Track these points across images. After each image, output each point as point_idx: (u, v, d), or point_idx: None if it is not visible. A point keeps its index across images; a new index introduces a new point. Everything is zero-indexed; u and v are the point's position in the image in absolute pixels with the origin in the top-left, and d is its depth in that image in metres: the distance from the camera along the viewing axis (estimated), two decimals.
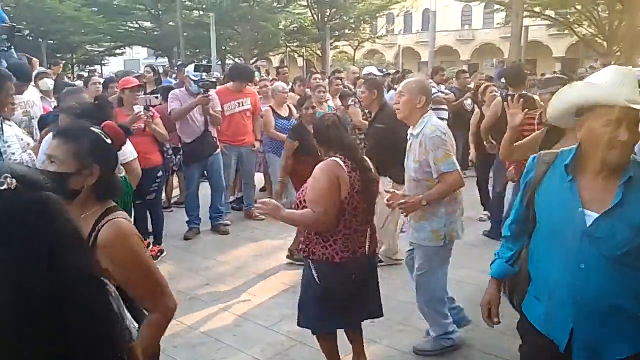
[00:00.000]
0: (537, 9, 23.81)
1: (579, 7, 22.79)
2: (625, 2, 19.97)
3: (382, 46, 38.86)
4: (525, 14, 21.01)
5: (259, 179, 7.44)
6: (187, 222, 6.03)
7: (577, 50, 29.56)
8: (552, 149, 2.67)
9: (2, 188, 1.05)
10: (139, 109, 5.03)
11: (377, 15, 31.18)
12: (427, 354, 3.60)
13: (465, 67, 27.34)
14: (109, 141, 1.90)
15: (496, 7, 27.17)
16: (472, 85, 8.87)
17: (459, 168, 3.28)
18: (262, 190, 7.66)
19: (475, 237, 5.77)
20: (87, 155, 1.82)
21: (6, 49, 5.05)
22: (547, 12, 24.44)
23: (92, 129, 1.91)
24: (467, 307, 3.96)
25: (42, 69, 7.07)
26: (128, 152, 3.74)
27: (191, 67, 6.13)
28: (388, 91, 8.81)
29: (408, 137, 3.48)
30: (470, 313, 3.83)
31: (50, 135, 1.99)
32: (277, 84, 6.80)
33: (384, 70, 11.20)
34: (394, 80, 9.57)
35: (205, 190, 6.29)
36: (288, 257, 5.25)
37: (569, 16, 24.44)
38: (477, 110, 6.76)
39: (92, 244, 1.72)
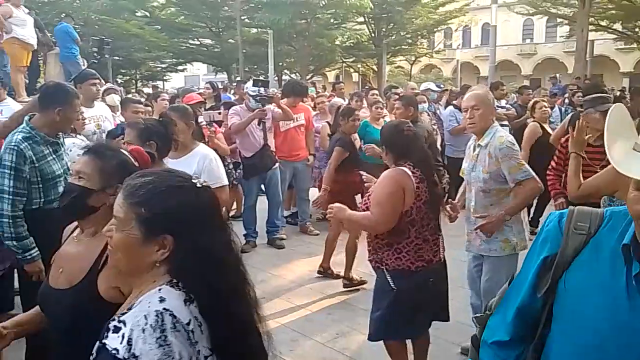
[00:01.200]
0: (603, 23, 22.98)
1: None
2: None
3: (440, 61, 38.46)
4: (590, 27, 20.32)
5: (314, 193, 7.45)
6: (244, 235, 6.09)
7: None
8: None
9: (199, 185, 1.34)
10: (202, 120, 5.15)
11: (435, 30, 30.92)
12: None
13: (526, 82, 26.74)
14: (136, 164, 1.96)
15: (559, 20, 26.40)
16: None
17: (534, 174, 3.24)
18: None
19: None
20: (113, 174, 1.86)
21: (96, 60, 5.29)
22: (614, 26, 23.54)
23: (121, 150, 2.01)
24: None
25: (110, 85, 7.36)
26: (219, 175, 3.67)
27: (249, 83, 6.25)
28: (446, 107, 8.67)
29: (473, 148, 3.43)
30: None
31: (77, 150, 2.07)
32: (334, 100, 6.83)
33: (442, 85, 11.03)
34: (451, 96, 9.40)
35: (261, 205, 6.35)
36: (320, 272, 5.20)
37: (637, 29, 23.46)
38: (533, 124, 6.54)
39: (105, 260, 1.74)
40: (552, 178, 4.40)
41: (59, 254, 1.92)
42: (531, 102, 6.61)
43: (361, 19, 27.26)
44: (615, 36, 25.70)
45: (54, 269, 1.89)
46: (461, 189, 3.73)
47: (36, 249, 3.11)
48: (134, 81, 30.13)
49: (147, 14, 27.75)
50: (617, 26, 23.61)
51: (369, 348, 3.84)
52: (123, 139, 4.11)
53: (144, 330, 1.19)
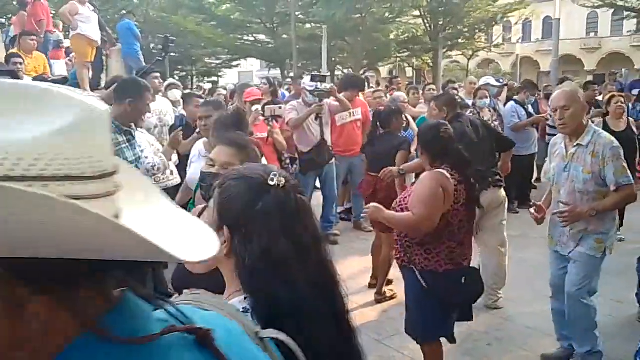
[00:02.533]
0: None
1: None
2: None
3: (498, 55, 37.42)
4: None
5: None
6: None
7: None
8: None
9: (273, 184, 1.23)
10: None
11: (493, 23, 30.10)
12: None
13: (590, 78, 25.70)
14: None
15: (626, 13, 25.18)
16: (600, 98, 8.22)
17: (633, 181, 3.19)
18: None
19: (618, 263, 5.31)
20: (248, 162, 1.98)
21: (161, 58, 5.54)
22: None
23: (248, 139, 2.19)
24: (603, 339, 3.64)
25: (172, 80, 7.56)
26: None
27: (306, 78, 6.25)
28: (506, 102, 8.41)
29: (565, 147, 3.33)
30: (607, 347, 3.53)
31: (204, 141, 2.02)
32: (396, 94, 6.77)
33: (501, 80, 10.70)
34: (512, 91, 9.10)
35: (314, 200, 6.34)
36: (377, 299, 4.66)
37: None
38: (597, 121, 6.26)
39: None
40: None
41: None
42: (607, 96, 6.34)
43: (417, 13, 26.84)
44: None
45: None
46: (547, 191, 3.67)
47: None
48: (190, 77, 30.81)
49: (204, 10, 28.25)
50: None
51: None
52: (182, 130, 4.23)
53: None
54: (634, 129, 5.92)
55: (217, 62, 32.37)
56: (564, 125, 3.24)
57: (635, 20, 27.00)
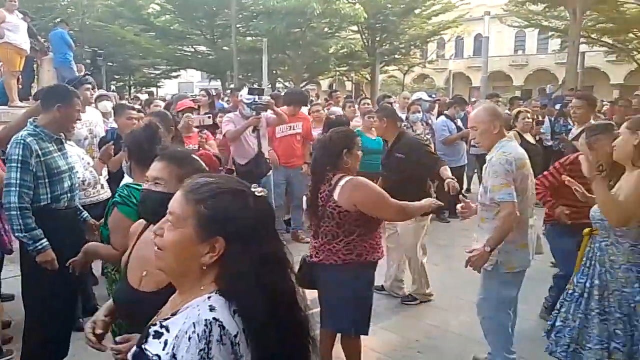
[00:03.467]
0: (594, 35, 23.24)
1: (638, 34, 22.11)
2: None
3: (432, 70, 38.67)
4: (582, 40, 20.54)
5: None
6: None
7: (636, 77, 28.59)
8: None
9: (260, 195, 1.34)
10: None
11: (428, 40, 31.13)
12: None
13: (518, 93, 26.96)
14: (207, 168, 2.02)
15: (550, 33, 26.66)
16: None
17: (514, 200, 3.15)
18: None
19: (540, 272, 5.58)
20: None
21: (90, 72, 5.38)
22: (605, 39, 23.81)
23: (193, 155, 2.06)
24: (525, 344, 3.82)
25: (102, 91, 7.39)
26: None
27: (244, 91, 6.29)
28: (437, 116, 8.75)
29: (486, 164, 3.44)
30: (528, 350, 3.74)
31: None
32: (333, 109, 6.90)
33: (434, 95, 11.12)
34: (442, 106, 9.48)
35: None
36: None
37: (627, 43, 23.74)
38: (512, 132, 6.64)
39: None
40: (540, 192, 4.21)
41: (138, 256, 1.92)
42: (514, 111, 6.71)
43: (355, 28, 27.40)
44: (606, 48, 25.97)
45: (134, 271, 1.89)
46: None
47: (45, 239, 3.16)
48: (128, 87, 30.11)
49: (143, 20, 27.73)
50: (608, 39, 23.88)
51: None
52: (114, 144, 4.17)
53: (190, 338, 1.16)
54: (544, 143, 6.28)
55: (156, 72, 31.82)
56: (476, 142, 3.48)
57: (559, 40, 28.56)
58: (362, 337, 3.29)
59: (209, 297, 1.24)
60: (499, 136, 3.34)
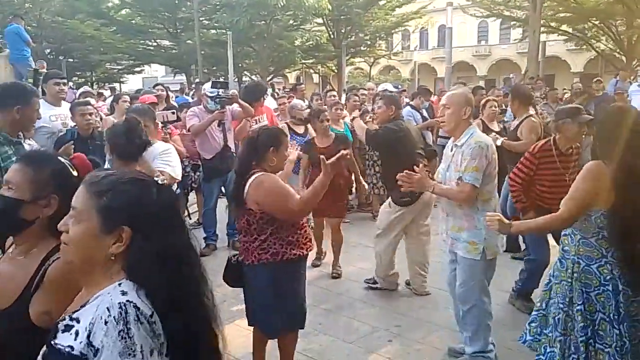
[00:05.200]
0: (554, 24, 23.74)
1: (596, 22, 22.68)
2: None
3: (398, 62, 38.92)
4: (542, 29, 20.95)
5: None
6: (204, 238, 6.04)
7: (595, 65, 29.36)
8: None
9: (161, 182, 1.35)
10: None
11: (393, 31, 31.30)
12: None
13: (482, 83, 27.33)
14: (74, 173, 1.80)
15: (512, 22, 27.13)
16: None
17: (477, 185, 3.24)
18: None
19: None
20: (46, 183, 1.72)
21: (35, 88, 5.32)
22: (564, 28, 24.35)
23: (59, 158, 1.86)
24: (495, 328, 3.88)
25: (87, 88, 7.25)
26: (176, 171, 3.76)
27: (208, 85, 6.21)
28: (404, 107, 8.82)
29: (450, 149, 3.49)
30: (496, 335, 3.77)
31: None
32: (294, 102, 6.85)
33: (400, 86, 11.20)
34: (410, 97, 9.55)
35: (220, 207, 6.31)
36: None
37: (586, 31, 24.33)
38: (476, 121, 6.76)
39: (39, 282, 1.64)
40: (517, 189, 4.27)
41: None
42: (483, 101, 6.81)
43: (320, 21, 27.37)
44: (566, 37, 26.57)
45: None
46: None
47: None
48: (90, 83, 29.44)
49: (103, 15, 27.12)
50: (567, 28, 24.42)
51: (331, 348, 3.91)
52: (74, 144, 4.07)
53: (106, 322, 1.17)
54: (505, 130, 6.44)
55: (119, 67, 31.20)
56: (443, 122, 3.50)
57: (520, 29, 29.10)
58: (330, 328, 3.30)
59: (119, 284, 1.26)
60: (467, 123, 3.40)
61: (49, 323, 1.51)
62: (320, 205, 4.83)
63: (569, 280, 2.72)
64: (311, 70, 35.23)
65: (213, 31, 28.15)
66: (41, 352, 1.28)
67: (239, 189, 3.08)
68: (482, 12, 26.51)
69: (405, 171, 3.46)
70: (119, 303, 1.20)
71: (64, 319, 1.25)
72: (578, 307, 2.67)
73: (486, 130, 6.38)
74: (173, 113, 5.47)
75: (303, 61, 29.28)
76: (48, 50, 24.61)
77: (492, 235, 3.33)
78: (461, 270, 3.48)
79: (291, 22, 26.62)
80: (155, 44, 29.46)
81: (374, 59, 32.61)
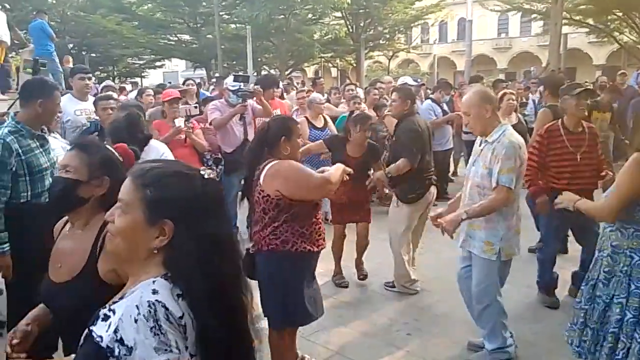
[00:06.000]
0: (576, 17, 23.35)
1: (619, 14, 22.25)
2: None
3: (417, 56, 38.68)
4: (564, 22, 20.61)
5: None
6: None
7: (618, 58, 28.85)
8: None
9: (207, 177, 1.37)
10: (179, 122, 5.19)
11: (412, 25, 31.07)
12: None
13: (502, 76, 27.06)
14: (120, 158, 2.07)
15: (533, 15, 26.75)
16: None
17: (513, 186, 3.19)
18: None
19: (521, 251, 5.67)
20: (98, 166, 1.98)
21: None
22: (587, 20, 23.93)
23: (107, 146, 2.12)
24: (514, 323, 3.93)
25: (109, 82, 7.39)
26: None
27: (230, 78, 6.27)
28: (423, 101, 8.80)
29: (479, 143, 3.44)
30: (518, 329, 3.83)
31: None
32: (313, 95, 6.88)
33: (419, 79, 11.16)
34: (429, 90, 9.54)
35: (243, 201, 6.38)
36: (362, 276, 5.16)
37: (609, 23, 23.89)
38: None
39: (100, 248, 1.85)
40: (529, 172, 4.21)
41: (55, 251, 1.99)
42: (500, 94, 6.75)
43: (339, 14, 27.28)
44: (588, 30, 26.13)
45: (52, 265, 1.95)
46: (459, 193, 3.71)
47: (8, 244, 3.15)
48: (112, 78, 29.77)
49: (125, 10, 27.38)
50: (590, 20, 24.01)
51: (351, 341, 3.95)
52: (98, 135, 4.17)
53: (136, 320, 1.18)
54: (524, 123, 6.43)
55: (140, 62, 31.47)
56: (469, 128, 3.46)
57: (541, 22, 28.67)
58: (350, 321, 3.28)
59: (153, 282, 1.26)
60: (493, 119, 3.32)
61: (119, 279, 1.69)
62: (343, 213, 4.91)
63: (620, 275, 2.69)
64: (330, 64, 35.18)
65: (233, 26, 28.26)
66: (84, 334, 1.30)
67: (251, 180, 3.11)
68: (503, 5, 26.17)
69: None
70: (148, 301, 1.20)
71: (106, 307, 1.27)
72: (619, 300, 2.66)
73: None
74: (196, 107, 5.55)
75: (322, 55, 29.26)
76: (71, 45, 24.88)
77: (510, 236, 3.31)
78: (476, 270, 3.46)
79: (310, 16, 26.58)
80: (175, 38, 29.68)
81: (393, 52, 32.40)
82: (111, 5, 26.53)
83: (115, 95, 6.20)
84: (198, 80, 15.92)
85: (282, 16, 24.69)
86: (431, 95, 8.61)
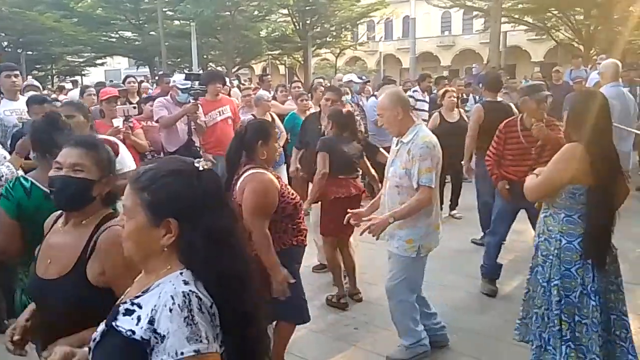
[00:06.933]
0: (515, 15, 24.16)
1: (556, 12, 23.18)
2: (601, 6, 20.37)
3: (364, 53, 39.12)
4: (504, 19, 21.32)
5: None
6: None
7: (555, 54, 30.05)
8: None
9: (202, 169, 1.37)
10: (117, 122, 5.06)
11: (358, 22, 31.41)
12: None
13: (446, 73, 27.69)
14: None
15: (475, 13, 27.50)
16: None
17: (434, 185, 3.26)
18: None
19: (463, 243, 5.87)
20: (106, 164, 1.98)
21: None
22: (525, 18, 24.80)
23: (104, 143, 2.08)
24: (454, 312, 4.05)
25: (30, 81, 7.09)
26: (124, 162, 3.67)
27: (178, 76, 6.14)
28: (368, 98, 8.91)
29: (396, 143, 3.48)
30: (457, 318, 3.94)
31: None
32: (260, 92, 6.83)
33: (364, 77, 11.28)
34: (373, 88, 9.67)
35: None
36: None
37: (546, 21, 24.84)
38: (435, 114, 6.97)
39: (92, 247, 1.85)
40: (489, 163, 4.56)
41: (46, 245, 1.96)
42: (442, 91, 6.97)
43: (285, 12, 27.27)
44: (527, 27, 27.08)
45: (41, 260, 1.92)
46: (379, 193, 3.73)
47: None
48: (50, 76, 28.70)
49: (64, 6, 26.44)
50: (528, 18, 24.89)
51: (300, 337, 3.97)
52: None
53: (171, 310, 1.22)
54: (466, 119, 6.65)
55: (80, 60, 30.51)
56: (385, 129, 3.54)
57: (482, 20, 29.51)
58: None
59: (181, 273, 1.31)
60: (407, 120, 3.37)
61: (103, 283, 1.78)
62: (330, 225, 4.48)
63: (551, 258, 2.85)
64: (277, 62, 35.12)
65: (177, 22, 27.81)
66: (99, 330, 1.34)
67: (228, 184, 3.09)
68: (445, 2, 26.80)
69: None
70: (183, 292, 1.25)
71: (125, 302, 1.32)
72: (555, 283, 2.81)
73: (443, 121, 6.61)
74: (134, 107, 5.41)
75: (269, 52, 29.20)
76: (5, 43, 23.91)
77: (429, 232, 3.39)
78: (393, 265, 3.50)
79: (256, 12, 26.48)
80: (117, 35, 28.93)
81: (340, 49, 32.68)
82: (49, 1, 25.62)
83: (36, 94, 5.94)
84: (141, 78, 15.55)
85: (227, 13, 24.48)
86: (375, 93, 8.71)
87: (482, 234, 5.78)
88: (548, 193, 2.85)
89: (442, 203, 6.68)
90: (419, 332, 3.56)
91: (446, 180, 6.79)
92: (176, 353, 1.20)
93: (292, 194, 3.15)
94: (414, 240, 3.35)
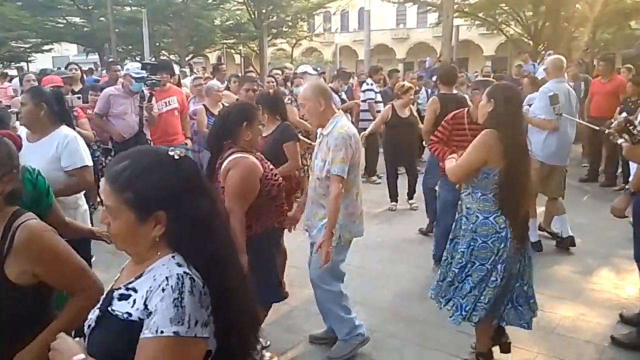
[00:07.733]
0: (467, 10, 24.61)
1: (506, 8, 23.73)
2: (548, 3, 20.96)
3: (320, 44, 39.10)
4: (456, 14, 21.67)
5: None
6: None
7: (506, 49, 30.78)
8: None
9: (177, 157, 1.37)
10: None
11: (314, 12, 31.31)
12: (344, 358, 3.52)
13: (400, 66, 27.99)
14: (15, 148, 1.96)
15: (427, 7, 27.83)
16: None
17: (345, 176, 3.23)
18: None
19: (411, 234, 5.97)
20: (5, 162, 1.86)
21: None
22: (477, 13, 25.29)
23: (4, 138, 1.96)
24: (404, 302, 4.12)
25: None
26: (82, 156, 3.46)
27: (131, 65, 6.00)
28: None
29: (318, 136, 3.50)
30: (407, 308, 4.03)
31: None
32: (210, 83, 6.75)
33: (319, 68, 11.30)
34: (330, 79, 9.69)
35: None
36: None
37: (497, 17, 25.41)
38: (388, 106, 7.08)
39: (8, 248, 1.75)
40: (433, 145, 4.62)
41: None
42: (404, 88, 6.90)
43: (241, 0, 26.92)
44: (479, 22, 27.63)
45: None
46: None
47: None
48: None
49: None
50: (480, 13, 25.39)
51: None
52: None
53: (163, 289, 1.27)
54: (415, 115, 6.82)
55: (26, 46, 29.24)
56: (306, 119, 3.59)
57: (436, 14, 29.90)
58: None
59: (173, 257, 1.36)
60: (328, 112, 3.37)
61: (29, 280, 1.75)
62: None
63: (469, 232, 3.14)
64: (233, 51, 34.67)
65: (127, 8, 27.05)
66: (93, 317, 1.39)
67: (212, 166, 3.11)
68: None
69: None
70: (177, 274, 1.29)
71: (119, 288, 1.37)
72: (461, 250, 3.16)
73: (395, 116, 6.69)
74: (79, 98, 5.25)
75: (223, 41, 28.81)
76: None
77: (348, 223, 3.41)
78: (316, 255, 3.41)
79: (210, 0, 26.02)
80: (65, 21, 27.88)
81: (296, 40, 32.53)
82: None
83: None
84: (90, 66, 15.08)
85: (180, 0, 23.97)
86: (330, 85, 8.73)
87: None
88: (467, 174, 3.13)
89: (397, 195, 6.92)
90: (352, 319, 3.55)
91: (399, 172, 6.90)
92: (157, 330, 1.24)
93: (276, 176, 3.20)
94: (335, 229, 3.31)
